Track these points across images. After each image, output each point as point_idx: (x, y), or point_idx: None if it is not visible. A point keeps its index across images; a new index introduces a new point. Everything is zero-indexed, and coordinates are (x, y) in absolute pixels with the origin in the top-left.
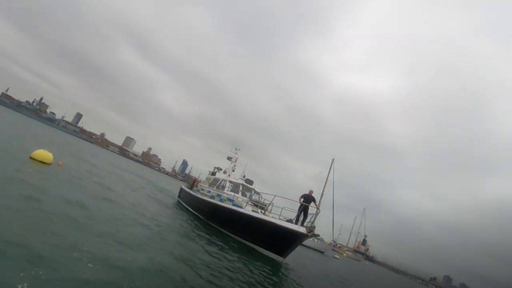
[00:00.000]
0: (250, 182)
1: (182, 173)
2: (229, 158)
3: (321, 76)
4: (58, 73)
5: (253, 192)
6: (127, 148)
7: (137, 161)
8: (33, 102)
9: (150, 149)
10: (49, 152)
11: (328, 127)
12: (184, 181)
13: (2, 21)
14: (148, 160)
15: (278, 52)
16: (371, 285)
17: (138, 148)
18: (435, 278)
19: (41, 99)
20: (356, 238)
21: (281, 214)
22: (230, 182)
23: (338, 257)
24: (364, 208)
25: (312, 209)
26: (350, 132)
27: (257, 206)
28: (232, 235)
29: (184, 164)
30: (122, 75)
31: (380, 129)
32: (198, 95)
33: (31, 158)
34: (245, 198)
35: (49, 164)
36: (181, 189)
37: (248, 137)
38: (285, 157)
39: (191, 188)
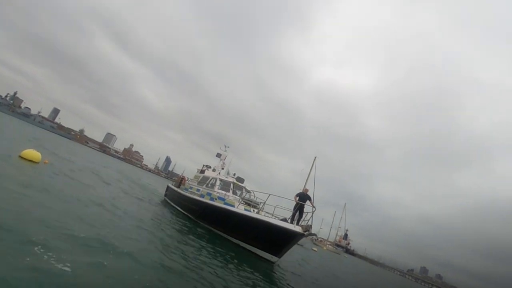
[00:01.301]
0: (241, 180)
1: (165, 170)
2: (218, 155)
3: (301, 70)
4: (33, 66)
5: (244, 191)
6: (107, 145)
7: (118, 158)
8: (6, 96)
9: (132, 145)
10: (37, 151)
11: (309, 122)
12: (167, 178)
13: None
14: (130, 157)
15: (257, 45)
16: (338, 273)
17: (119, 145)
18: (412, 270)
19: (15, 93)
20: (337, 233)
21: (275, 213)
22: (221, 180)
23: (316, 249)
24: (345, 203)
25: (307, 208)
26: (330, 127)
27: (249, 205)
28: (225, 235)
29: (168, 160)
30: (101, 67)
31: (359, 123)
32: (179, 89)
33: (20, 157)
34: (236, 196)
35: (37, 163)
36: (168, 187)
37: (230, 132)
38: (268, 153)
39: (178, 187)
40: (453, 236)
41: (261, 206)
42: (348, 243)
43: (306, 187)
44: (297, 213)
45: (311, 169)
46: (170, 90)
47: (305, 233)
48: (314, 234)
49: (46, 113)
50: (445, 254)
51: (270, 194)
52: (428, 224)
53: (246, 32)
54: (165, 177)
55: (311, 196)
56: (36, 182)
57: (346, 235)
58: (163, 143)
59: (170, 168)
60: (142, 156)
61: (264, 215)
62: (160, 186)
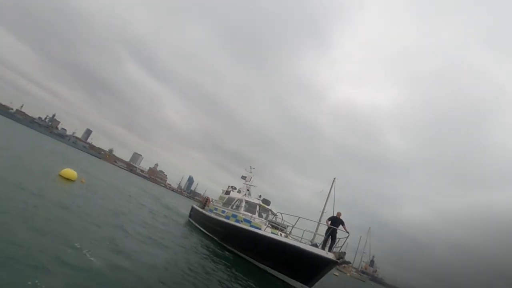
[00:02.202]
0: (267, 202)
1: (188, 190)
2: (243, 177)
3: (320, 90)
4: (69, 90)
5: (270, 213)
6: (134, 164)
7: (144, 177)
8: (46, 118)
9: (156, 165)
10: (74, 170)
11: (329, 142)
12: (190, 198)
13: (17, 40)
14: (155, 176)
15: (276, 65)
16: None
17: (145, 164)
18: None
19: (54, 115)
20: (361, 258)
21: (303, 237)
22: (246, 201)
23: (337, 274)
24: (369, 228)
25: (340, 233)
26: (351, 147)
27: (276, 228)
28: (250, 259)
29: (190, 180)
30: (128, 90)
31: (381, 143)
32: (199, 109)
33: (59, 175)
34: (262, 219)
35: (74, 181)
36: (193, 208)
37: (249, 151)
38: (287, 172)
39: (203, 208)
40: (493, 267)
41: (289, 230)
42: (376, 270)
43: (325, 209)
44: (329, 239)
45: (330, 190)
46: (192, 110)
47: (339, 260)
48: (349, 262)
49: (79, 134)
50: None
51: (299, 217)
52: (461, 252)
53: (265, 52)
54: (187, 197)
55: (318, 215)
56: (73, 200)
57: (372, 261)
58: (186, 163)
59: (192, 188)
60: (166, 175)
61: (292, 239)
62: (182, 205)
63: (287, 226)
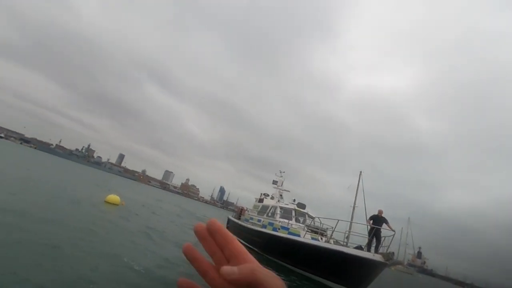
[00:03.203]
0: (302, 206)
1: (220, 200)
2: (274, 182)
3: (334, 81)
4: (99, 119)
5: (307, 217)
6: (167, 182)
7: (177, 192)
8: (82, 149)
9: (188, 180)
10: (117, 195)
11: (352, 134)
12: (223, 208)
13: (50, 82)
14: (187, 191)
15: (286, 64)
16: None
17: (176, 180)
18: None
19: (89, 145)
20: (405, 250)
21: (345, 240)
22: (281, 208)
23: None
24: (409, 217)
25: (385, 232)
26: (377, 136)
27: (316, 232)
28: (295, 268)
29: (222, 191)
30: (150, 111)
31: (408, 128)
32: (219, 120)
33: (105, 201)
34: (300, 224)
35: (117, 205)
36: (229, 219)
37: (274, 155)
38: (315, 171)
39: (238, 218)
40: None
41: (329, 234)
42: (424, 262)
43: (356, 203)
44: (374, 239)
45: (358, 184)
46: (212, 122)
47: (388, 262)
48: (399, 262)
49: (113, 159)
50: None
51: (338, 220)
52: None
53: (274, 52)
54: (220, 207)
55: (350, 211)
56: (119, 220)
57: (419, 253)
58: (215, 174)
59: (224, 198)
60: (198, 188)
61: (334, 244)
62: (217, 217)
63: (327, 228)
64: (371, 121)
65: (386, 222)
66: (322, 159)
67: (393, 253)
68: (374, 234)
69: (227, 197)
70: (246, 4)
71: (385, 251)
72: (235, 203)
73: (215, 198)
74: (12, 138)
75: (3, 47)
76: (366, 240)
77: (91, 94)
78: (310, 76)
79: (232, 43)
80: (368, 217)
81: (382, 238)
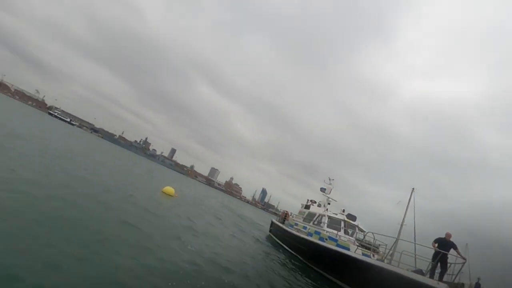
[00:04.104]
0: (352, 218)
1: (262, 202)
2: (322, 190)
3: (389, 87)
4: (155, 114)
5: (357, 230)
6: (212, 178)
7: (221, 190)
8: (140, 141)
9: (232, 178)
10: (172, 187)
11: (406, 144)
12: (264, 210)
13: (115, 76)
14: (231, 189)
15: (336, 68)
16: None
17: (221, 178)
18: None
19: (146, 138)
20: (459, 279)
21: (401, 261)
22: (329, 217)
23: None
24: (467, 244)
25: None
26: (435, 148)
27: (368, 249)
28: (341, 283)
29: (264, 192)
30: (202, 109)
31: (474, 142)
32: (266, 122)
33: (162, 192)
34: (350, 237)
35: (172, 196)
36: (272, 223)
37: (319, 161)
38: (362, 182)
39: (282, 222)
40: None
41: (384, 251)
42: None
43: (405, 221)
44: (438, 265)
45: (409, 201)
46: (259, 123)
47: None
48: None
49: (166, 153)
50: None
51: (397, 239)
52: None
53: (324, 54)
54: (261, 208)
55: (397, 228)
56: (176, 209)
57: (478, 284)
58: (258, 175)
59: (266, 199)
60: (241, 188)
61: (389, 263)
62: (259, 217)
63: (379, 245)
64: (428, 131)
65: (455, 248)
66: (369, 169)
67: (463, 284)
68: (440, 259)
69: (269, 199)
70: (299, 5)
71: (452, 280)
72: (276, 206)
73: (256, 199)
74: (84, 127)
75: (81, 45)
76: (427, 265)
77: (151, 91)
78: (362, 80)
79: (283, 45)
80: (433, 241)
81: (449, 265)
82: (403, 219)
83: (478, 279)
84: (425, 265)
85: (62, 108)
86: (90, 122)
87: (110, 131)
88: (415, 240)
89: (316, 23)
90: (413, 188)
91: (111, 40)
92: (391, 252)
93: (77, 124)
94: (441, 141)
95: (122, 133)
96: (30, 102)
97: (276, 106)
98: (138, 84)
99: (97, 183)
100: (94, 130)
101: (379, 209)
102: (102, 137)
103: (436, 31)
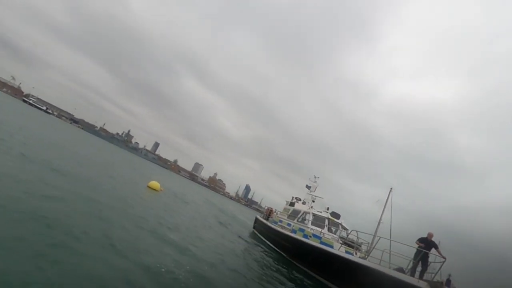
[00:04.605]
0: (336, 216)
1: (245, 198)
2: (307, 187)
3: (371, 88)
4: (139, 106)
5: (340, 228)
6: (196, 174)
7: (204, 185)
8: (122, 133)
9: (216, 174)
10: (157, 182)
11: (386, 144)
12: (247, 206)
13: (97, 65)
14: (214, 185)
15: (322, 67)
16: None
17: (205, 173)
18: None
19: (129, 131)
20: (432, 276)
21: (382, 259)
22: (314, 214)
23: None
24: (439, 241)
25: (432, 258)
26: (413, 149)
27: (352, 247)
28: (325, 281)
29: (247, 188)
30: (186, 102)
31: (449, 144)
32: (252, 117)
33: (148, 187)
34: (334, 235)
35: (158, 191)
36: (257, 219)
37: (303, 158)
38: (343, 179)
39: (267, 219)
40: None
41: (365, 248)
42: None
43: (382, 219)
44: (419, 264)
45: (386, 200)
46: (244, 118)
47: None
48: None
49: (149, 146)
50: None
51: (380, 237)
52: None
53: (310, 53)
54: (245, 205)
55: (374, 226)
56: (161, 204)
57: (448, 280)
58: (242, 171)
59: (249, 196)
60: (225, 184)
61: (370, 261)
62: (242, 214)
63: (361, 243)
64: (407, 132)
65: (436, 247)
66: (350, 167)
67: (442, 282)
68: (421, 258)
69: (252, 196)
70: (287, 3)
71: (432, 278)
72: (259, 202)
73: (240, 195)
74: (63, 118)
75: (60, 31)
76: (407, 263)
77: (134, 82)
78: (346, 80)
79: (270, 42)
80: (417, 240)
81: (429, 264)
82: (380, 217)
83: (449, 275)
84: (401, 262)
85: (40, 97)
86: (70, 112)
87: (90, 122)
88: (390, 237)
89: (304, 21)
90: (391, 188)
91: (93, 27)
92: (369, 248)
93: (55, 114)
94: (418, 142)
95: (104, 124)
96: (4, 89)
97: (263, 102)
98: (121, 75)
99: (77, 176)
100: (74, 120)
101: (360, 207)
102: (82, 128)
103: (418, 35)
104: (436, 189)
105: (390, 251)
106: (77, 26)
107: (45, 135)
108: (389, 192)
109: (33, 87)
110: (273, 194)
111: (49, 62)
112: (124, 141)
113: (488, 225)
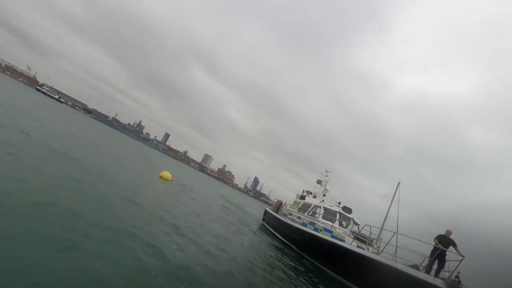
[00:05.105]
0: (348, 210)
1: (253, 190)
2: (318, 181)
3: (381, 81)
4: (150, 98)
5: (352, 223)
6: (205, 165)
7: (213, 176)
8: (134, 124)
9: (225, 166)
10: (169, 172)
11: (396, 139)
12: (255, 198)
13: (111, 58)
14: (223, 176)
15: (332, 60)
16: None
17: (214, 165)
18: None
19: (140, 122)
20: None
21: (397, 255)
22: (325, 208)
23: None
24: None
25: (450, 256)
26: (423, 144)
27: (364, 242)
28: (335, 275)
29: (256, 181)
30: (196, 94)
31: (460, 139)
32: (261, 110)
33: (160, 177)
34: (345, 230)
35: (169, 180)
36: (266, 211)
37: (311, 151)
38: (351, 173)
39: (276, 212)
40: None
41: (378, 245)
42: None
43: (389, 214)
44: (436, 262)
45: (394, 195)
46: (253, 111)
47: None
48: None
49: (160, 137)
50: None
51: (395, 233)
52: None
53: (319, 45)
54: (253, 197)
55: (381, 220)
56: (173, 192)
57: (457, 277)
58: (251, 163)
59: (257, 188)
60: (234, 175)
61: (384, 257)
62: (249, 206)
63: (374, 239)
64: (417, 124)
65: (454, 245)
66: (360, 161)
67: (459, 281)
68: (438, 256)
69: (260, 188)
70: None
71: (448, 277)
72: (267, 195)
73: (248, 187)
74: (77, 108)
75: (76, 24)
76: (421, 260)
77: (146, 74)
78: (356, 73)
79: (280, 34)
80: (434, 237)
81: (446, 262)
82: (387, 212)
83: (458, 273)
84: (416, 259)
85: (55, 87)
86: (83, 102)
87: (103, 113)
88: (397, 231)
89: (314, 14)
90: (399, 182)
91: (106, 19)
92: (379, 243)
93: (69, 103)
94: (428, 135)
95: (116, 115)
96: (21, 79)
97: (272, 95)
98: (133, 67)
99: (92, 165)
100: (87, 110)
101: (365, 199)
102: (95, 118)
103: (431, 28)
104: (449, 185)
105: (396, 246)
106: (90, 18)
107: (56, 125)
108: (397, 186)
109: (48, 77)
110: (281, 187)
111: (65, 54)
112: (135, 132)
113: (504, 222)
